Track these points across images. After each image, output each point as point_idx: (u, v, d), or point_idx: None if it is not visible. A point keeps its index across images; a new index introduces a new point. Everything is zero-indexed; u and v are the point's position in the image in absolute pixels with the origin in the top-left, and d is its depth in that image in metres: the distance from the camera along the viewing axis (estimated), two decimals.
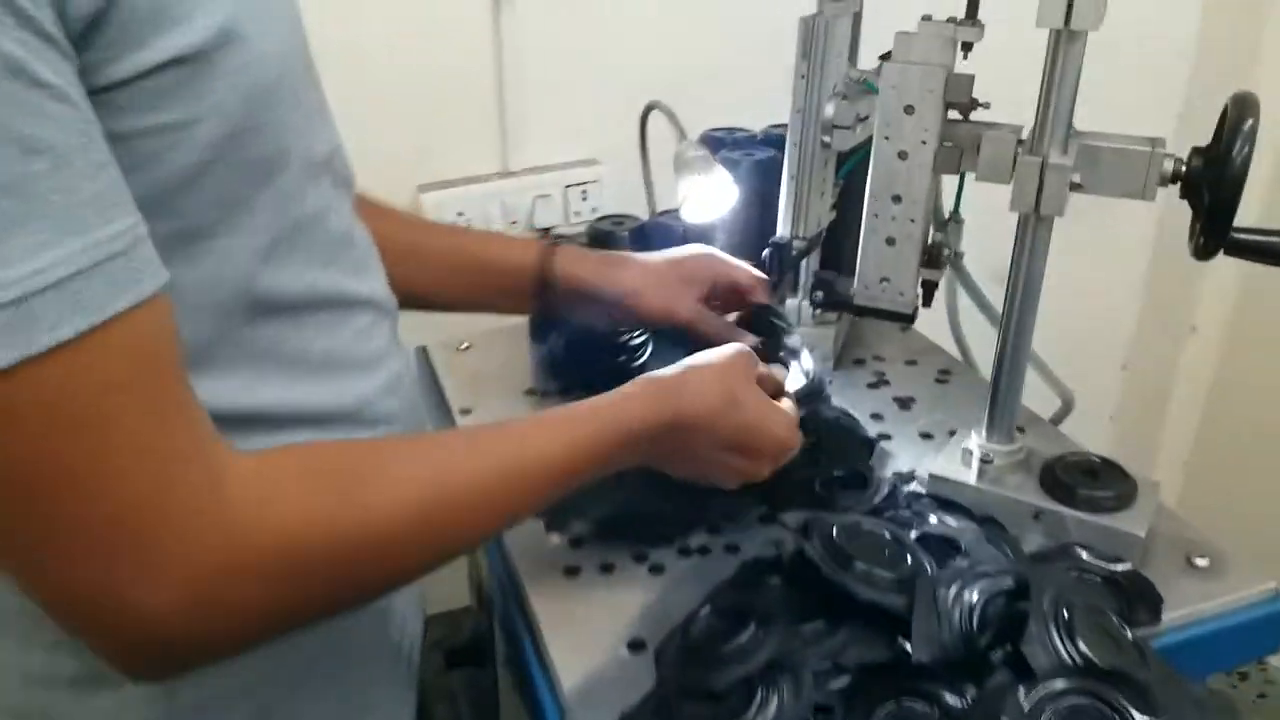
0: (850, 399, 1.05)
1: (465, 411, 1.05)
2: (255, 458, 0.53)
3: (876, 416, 1.03)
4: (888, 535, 0.74)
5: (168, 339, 0.49)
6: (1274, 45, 1.74)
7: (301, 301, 0.63)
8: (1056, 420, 1.03)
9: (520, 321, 1.21)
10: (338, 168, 0.68)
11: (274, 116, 0.56)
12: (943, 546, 0.77)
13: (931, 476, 0.87)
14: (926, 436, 0.99)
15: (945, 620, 0.68)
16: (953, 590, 0.69)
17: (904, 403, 1.05)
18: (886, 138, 0.83)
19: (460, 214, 1.47)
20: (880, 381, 1.10)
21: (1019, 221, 0.79)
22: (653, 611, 0.78)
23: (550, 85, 1.44)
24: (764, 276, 0.96)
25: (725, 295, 0.96)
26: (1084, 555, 0.78)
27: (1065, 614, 0.66)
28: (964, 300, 1.04)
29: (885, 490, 0.87)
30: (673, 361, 0.78)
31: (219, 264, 0.56)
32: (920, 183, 0.83)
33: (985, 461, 0.84)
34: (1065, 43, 0.72)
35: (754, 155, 1.10)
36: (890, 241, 0.86)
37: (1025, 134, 0.80)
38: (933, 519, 0.82)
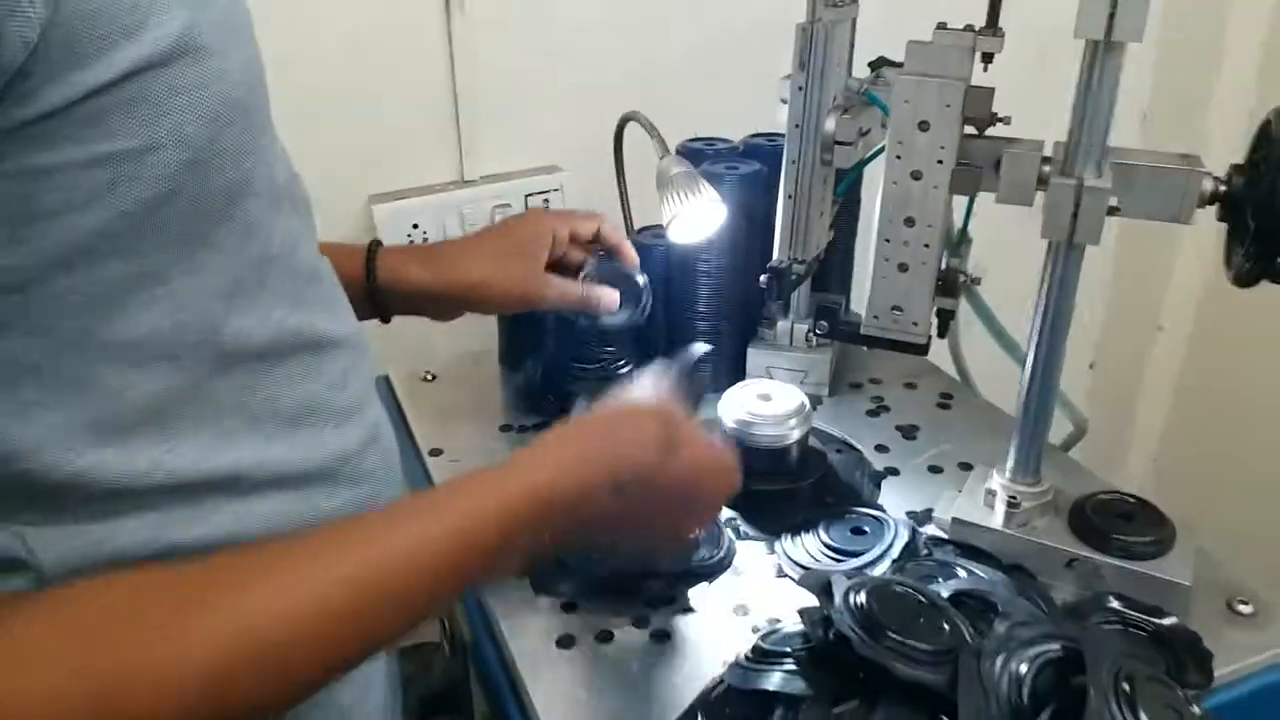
0: (851, 428, 0.99)
1: (435, 453, 0.96)
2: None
3: (881, 448, 0.96)
4: (920, 599, 0.68)
5: None
6: (1238, 39, 1.72)
7: (271, 347, 0.56)
8: (1067, 445, 0.98)
9: (490, 347, 1.13)
10: (297, 194, 0.60)
11: (238, 141, 0.50)
12: (978, 605, 0.71)
13: (954, 521, 0.80)
14: (935, 470, 0.93)
15: (993, 696, 0.61)
16: (998, 662, 0.62)
17: (907, 432, 0.99)
18: (899, 156, 0.76)
19: (415, 225, 1.37)
20: (880, 408, 1.03)
21: (1049, 250, 0.73)
22: (661, 689, 0.70)
23: (507, 88, 1.35)
24: (600, 215, 0.94)
25: (573, 251, 0.93)
26: (1121, 606, 0.72)
27: (1127, 686, 0.60)
28: (963, 318, 0.98)
29: (905, 535, 0.80)
30: None
31: (179, 308, 0.50)
32: (936, 205, 0.76)
33: (1011, 504, 0.78)
34: (1104, 54, 0.66)
35: (739, 170, 1.03)
36: (903, 268, 0.79)
37: (1048, 150, 0.74)
38: (961, 571, 0.75)
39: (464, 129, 1.37)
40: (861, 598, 0.66)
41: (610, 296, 0.91)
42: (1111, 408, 2.06)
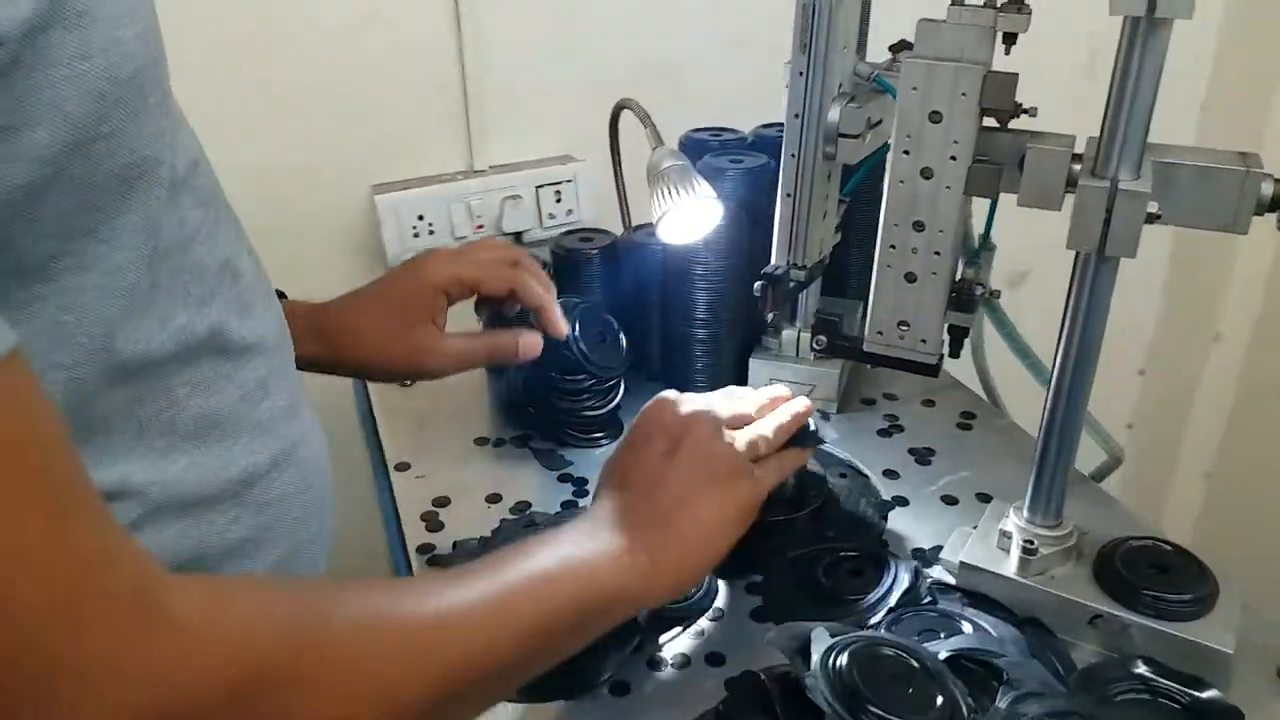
0: (858, 449, 0.90)
1: (402, 467, 0.89)
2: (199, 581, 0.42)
3: (891, 474, 0.87)
4: (913, 662, 0.59)
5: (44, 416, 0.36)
6: None
7: (172, 352, 0.49)
8: (1099, 476, 0.88)
9: None
10: (204, 183, 0.53)
11: (133, 121, 0.43)
12: (981, 670, 0.62)
13: (963, 565, 0.71)
14: (950, 501, 0.84)
15: None
16: None
17: (921, 456, 0.89)
18: (906, 152, 0.67)
19: (420, 217, 1.31)
20: (893, 427, 0.94)
21: (1077, 261, 0.63)
22: None
23: (518, 73, 1.28)
24: (521, 265, 0.81)
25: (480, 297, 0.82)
26: (1151, 673, 0.63)
27: None
28: (990, 329, 0.88)
29: (905, 579, 0.71)
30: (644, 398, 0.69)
31: (64, 310, 0.43)
32: (948, 207, 0.67)
33: (1027, 550, 0.68)
34: (1146, 34, 0.56)
35: (743, 163, 0.94)
36: (910, 278, 0.70)
37: (1080, 147, 0.64)
38: (966, 626, 0.66)
39: (473, 116, 1.30)
40: (843, 660, 0.58)
41: (530, 341, 0.81)
42: (1161, 418, 1.94)
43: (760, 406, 0.72)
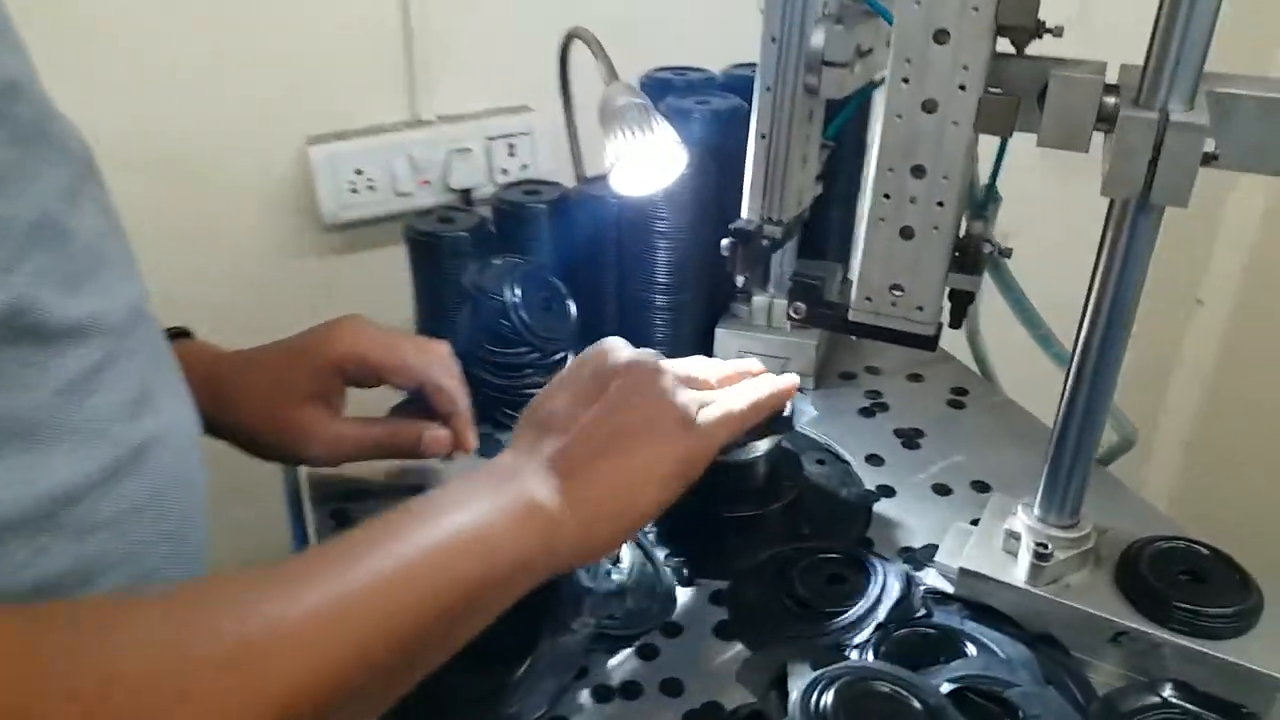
0: (838, 431, 0.79)
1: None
2: None
3: (874, 459, 0.77)
4: (913, 700, 0.48)
5: None
6: None
7: None
8: (1108, 459, 0.78)
9: (406, 321, 0.94)
10: (23, 114, 0.41)
11: None
12: (989, 704, 0.52)
13: (963, 572, 0.61)
14: (942, 491, 0.73)
15: None
16: None
17: (909, 438, 0.79)
18: (905, 80, 0.55)
19: (359, 171, 1.19)
20: (876, 405, 0.83)
21: (1111, 214, 0.52)
22: None
23: (467, 13, 1.15)
24: (430, 361, 0.70)
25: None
26: (1182, 700, 0.53)
27: None
28: (983, 294, 0.78)
29: (896, 589, 0.61)
30: None
31: None
32: (955, 147, 0.56)
33: (1040, 554, 0.58)
34: None
35: (711, 104, 0.83)
36: (906, 233, 0.59)
37: (1113, 77, 0.53)
38: (970, 646, 0.56)
39: (417, 60, 1.17)
40: (828, 700, 0.47)
41: (437, 439, 0.70)
42: (1139, 386, 1.86)
43: (724, 377, 0.61)
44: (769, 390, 0.61)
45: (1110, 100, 0.52)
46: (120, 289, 0.47)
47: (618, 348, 0.58)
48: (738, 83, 0.90)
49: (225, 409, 0.66)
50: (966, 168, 0.57)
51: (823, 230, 0.91)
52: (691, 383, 0.59)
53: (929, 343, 0.61)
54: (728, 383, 0.62)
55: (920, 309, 0.60)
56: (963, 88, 0.54)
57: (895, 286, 0.60)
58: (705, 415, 0.56)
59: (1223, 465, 1.81)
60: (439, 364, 0.70)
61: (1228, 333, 1.78)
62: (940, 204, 0.57)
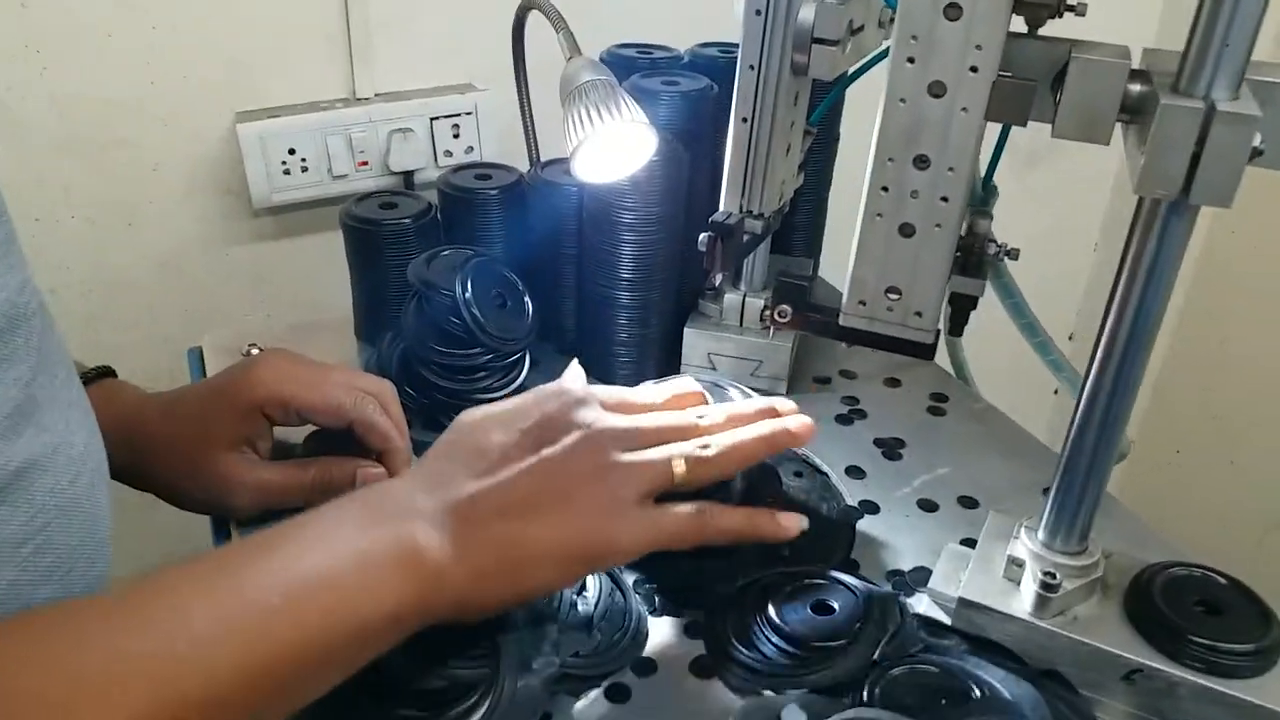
0: (814, 440, 0.73)
1: None
2: None
3: (855, 472, 0.71)
4: None
5: None
6: None
7: None
8: None
9: (344, 314, 0.87)
10: None
11: None
12: None
13: (961, 603, 0.55)
14: (928, 507, 0.68)
15: None
16: None
17: (890, 449, 0.74)
18: (910, 60, 0.50)
19: (292, 151, 1.11)
20: (854, 413, 0.78)
21: (1141, 211, 0.47)
22: None
23: None
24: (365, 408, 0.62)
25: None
26: None
27: None
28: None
29: (889, 623, 0.55)
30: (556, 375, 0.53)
31: None
32: (964, 136, 0.50)
33: (1048, 584, 0.53)
34: None
35: (680, 85, 0.76)
36: (907, 231, 0.53)
37: (1139, 62, 0.48)
38: (975, 688, 0.51)
39: (355, 33, 1.10)
40: None
41: (371, 476, 0.62)
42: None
43: (733, 417, 0.56)
44: (766, 439, 0.55)
45: (1135, 88, 0.47)
46: (17, 272, 0.40)
47: (589, 402, 0.53)
48: (705, 63, 0.84)
49: (144, 459, 0.60)
50: (974, 159, 0.52)
51: (787, 228, 0.86)
52: (684, 432, 0.53)
53: (927, 351, 0.56)
54: (738, 422, 0.56)
55: (919, 314, 0.55)
56: (974, 70, 0.49)
57: (892, 289, 0.55)
58: (657, 513, 0.50)
59: (1163, 469, 1.80)
60: (371, 402, 0.62)
61: (1175, 334, 1.77)
62: (944, 199, 0.52)
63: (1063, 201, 1.54)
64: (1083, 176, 1.55)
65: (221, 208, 1.11)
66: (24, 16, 0.94)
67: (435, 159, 1.16)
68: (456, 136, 1.17)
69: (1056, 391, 1.61)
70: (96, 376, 0.63)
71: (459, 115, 1.16)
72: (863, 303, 0.56)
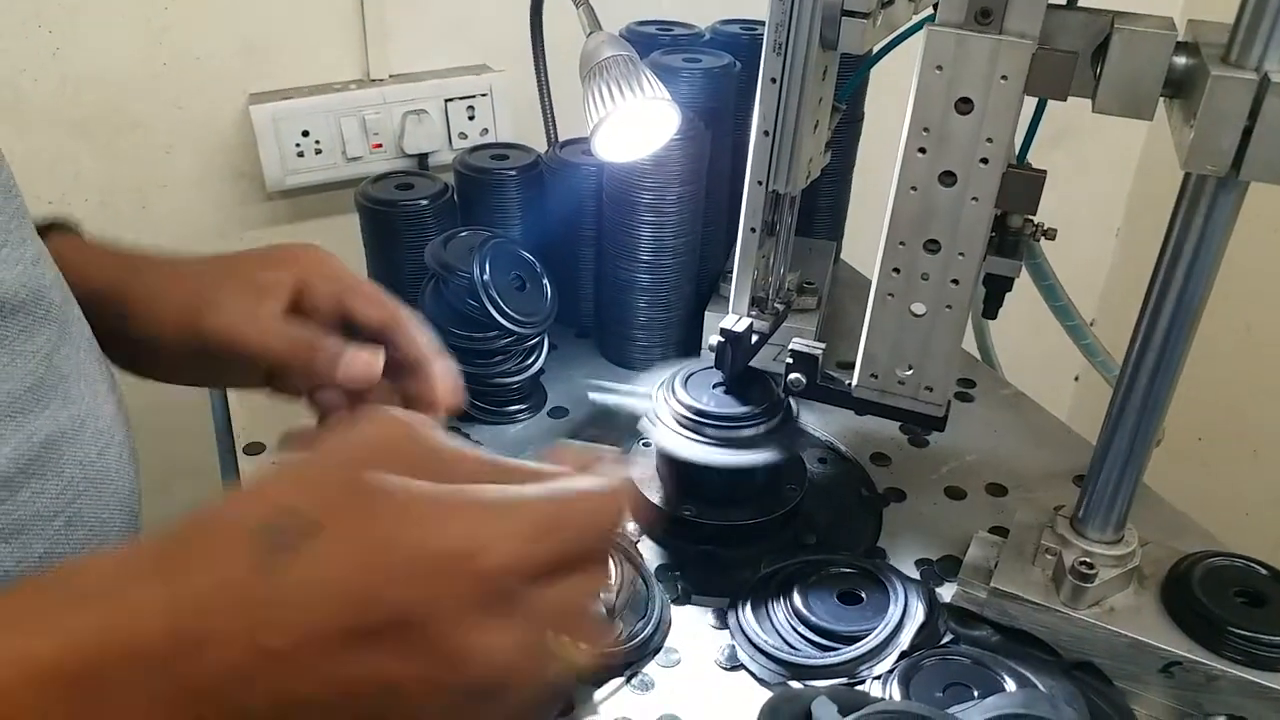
0: (837, 425, 0.73)
1: (254, 449, 0.69)
2: None
3: (880, 459, 0.70)
4: None
5: None
6: None
7: None
8: None
9: None
10: None
11: None
12: None
13: (993, 593, 0.54)
14: (955, 495, 0.67)
15: None
16: None
17: (915, 435, 0.73)
18: (922, 150, 0.49)
19: (306, 133, 1.10)
20: None
21: (1186, 189, 0.46)
22: None
23: None
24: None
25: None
26: None
27: None
28: None
29: (918, 610, 0.54)
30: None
31: None
32: (975, 223, 0.49)
33: (1084, 574, 0.52)
34: None
35: (701, 62, 0.75)
36: (918, 312, 0.52)
37: (1184, 34, 0.46)
38: (1008, 680, 0.50)
39: (369, 14, 1.08)
40: None
41: (363, 360, 0.49)
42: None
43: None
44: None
45: (1181, 60, 0.45)
46: (14, 260, 0.38)
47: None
48: (727, 40, 0.82)
49: (138, 321, 0.49)
50: (985, 244, 0.51)
51: (811, 210, 0.84)
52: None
53: (938, 423, 0.56)
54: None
55: (929, 389, 0.55)
56: (985, 161, 0.48)
57: (903, 365, 0.54)
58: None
59: (1192, 454, 1.79)
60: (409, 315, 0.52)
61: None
62: (955, 282, 0.51)
63: (1082, 186, 1.52)
64: (1104, 160, 1.53)
65: (235, 191, 1.10)
66: None
67: (450, 141, 1.15)
68: (471, 118, 1.16)
69: (1078, 378, 1.59)
70: (52, 228, 0.52)
71: (474, 97, 1.15)
72: (874, 375, 0.56)
